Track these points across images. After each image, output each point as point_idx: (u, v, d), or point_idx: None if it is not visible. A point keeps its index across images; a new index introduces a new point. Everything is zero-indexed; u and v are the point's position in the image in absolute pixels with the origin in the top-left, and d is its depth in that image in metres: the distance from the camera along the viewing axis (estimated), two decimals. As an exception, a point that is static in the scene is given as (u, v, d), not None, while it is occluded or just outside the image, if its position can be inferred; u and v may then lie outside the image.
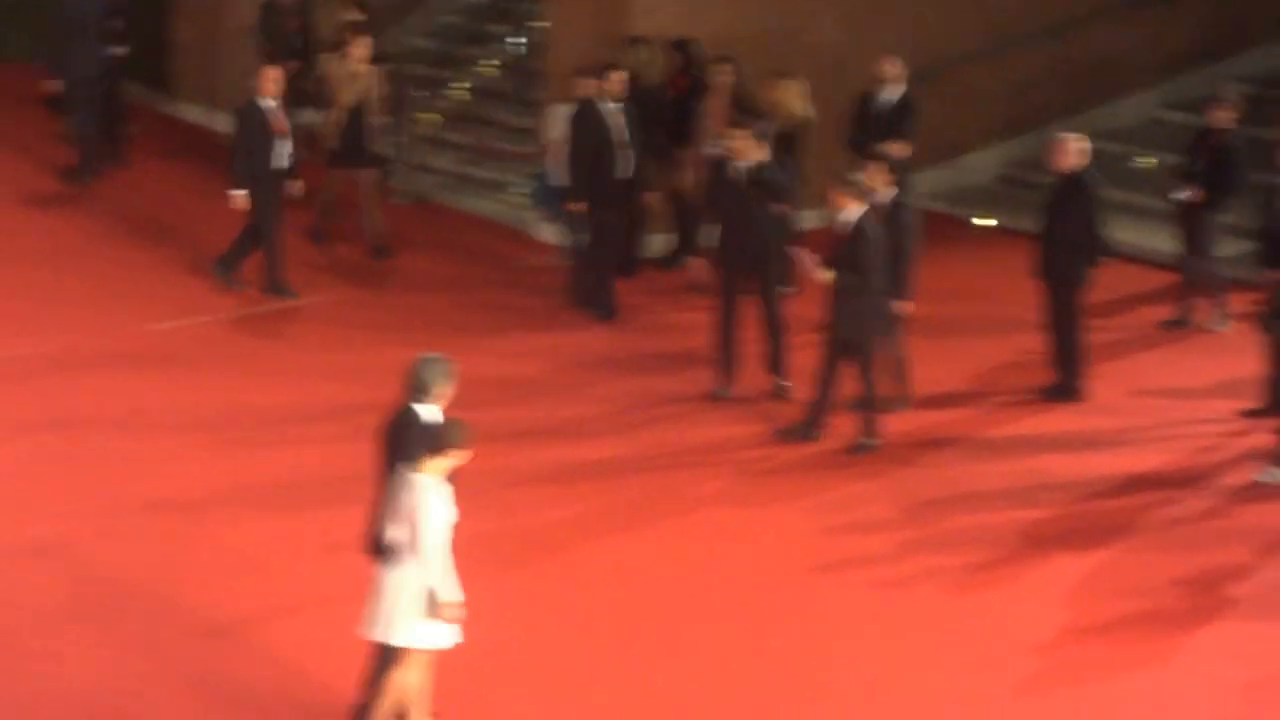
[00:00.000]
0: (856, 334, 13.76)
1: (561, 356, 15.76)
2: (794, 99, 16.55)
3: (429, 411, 9.84)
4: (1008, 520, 12.90)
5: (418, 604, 9.52)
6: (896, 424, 14.15)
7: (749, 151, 14.68)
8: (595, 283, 16.58)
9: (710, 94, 17.04)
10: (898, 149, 15.85)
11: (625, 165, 16.38)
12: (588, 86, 16.39)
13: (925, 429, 14.37)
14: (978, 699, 10.77)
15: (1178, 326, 16.48)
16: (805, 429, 14.01)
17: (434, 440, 9.49)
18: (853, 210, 13.62)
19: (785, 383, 14.87)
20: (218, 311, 16.37)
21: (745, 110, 16.32)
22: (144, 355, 15.40)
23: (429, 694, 9.93)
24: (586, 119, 16.30)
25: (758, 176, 14.70)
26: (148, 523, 12.52)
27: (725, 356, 14.95)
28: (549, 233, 17.83)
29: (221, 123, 20.16)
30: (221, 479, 13.18)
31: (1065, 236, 14.65)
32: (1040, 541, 12.65)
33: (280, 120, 16.22)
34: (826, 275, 13.63)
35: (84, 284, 16.97)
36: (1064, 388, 14.92)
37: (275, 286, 16.64)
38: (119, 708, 10.38)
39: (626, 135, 16.33)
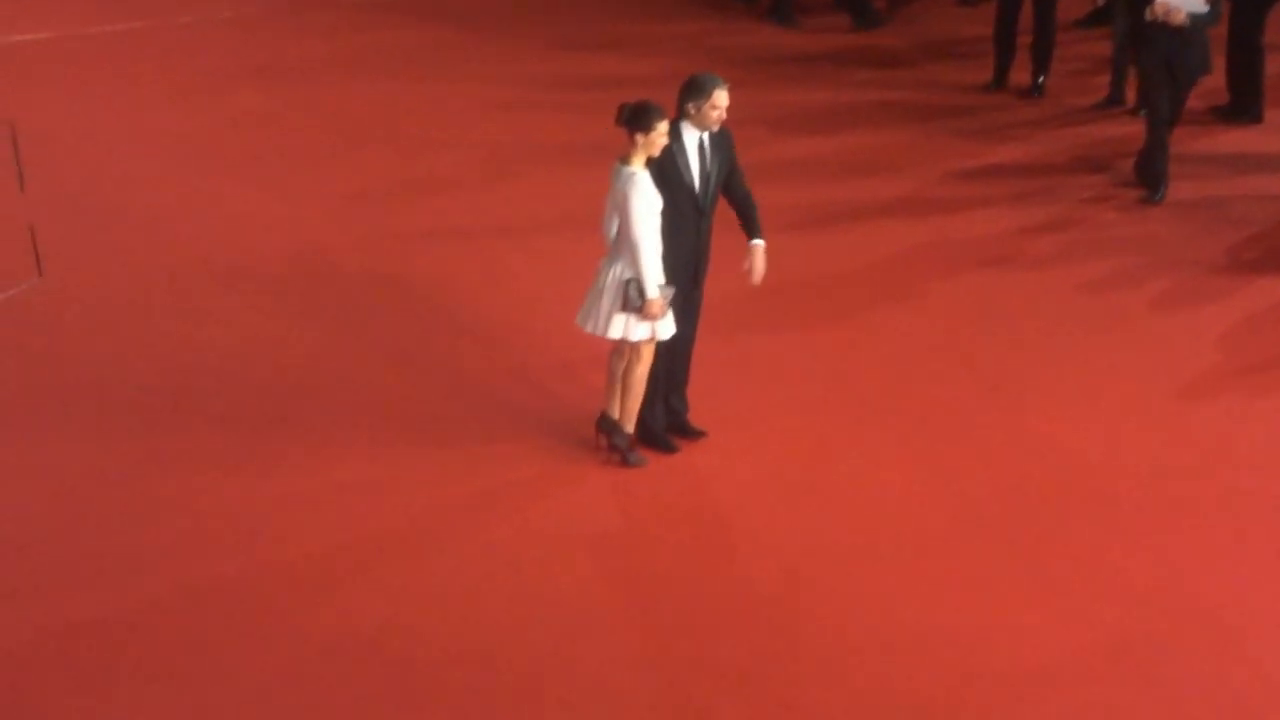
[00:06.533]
0: (1203, 68, 13.07)
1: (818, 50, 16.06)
2: None
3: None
4: (1202, 238, 12.69)
5: (621, 296, 9.35)
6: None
7: None
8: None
9: None
10: None
11: None
12: None
13: (1122, 140, 14.18)
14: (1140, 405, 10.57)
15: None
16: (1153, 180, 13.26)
17: (633, 124, 9.20)
18: None
19: (1043, 81, 15.01)
20: None
21: None
22: None
23: (639, 392, 9.59)
24: None
25: None
26: (381, 240, 12.40)
27: (1003, 49, 15.11)
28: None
29: None
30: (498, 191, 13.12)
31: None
32: (1241, 262, 12.45)
33: None
34: (1181, 14, 12.69)
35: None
36: (1243, 107, 14.67)
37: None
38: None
39: None
